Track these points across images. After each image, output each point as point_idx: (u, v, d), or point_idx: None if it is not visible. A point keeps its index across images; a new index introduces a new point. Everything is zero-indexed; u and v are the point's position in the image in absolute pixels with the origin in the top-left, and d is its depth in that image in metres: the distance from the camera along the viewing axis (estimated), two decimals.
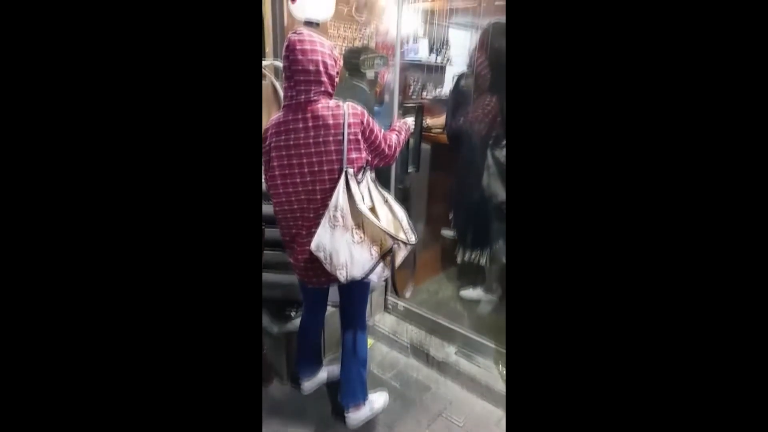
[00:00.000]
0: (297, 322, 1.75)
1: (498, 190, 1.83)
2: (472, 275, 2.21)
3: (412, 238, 1.25)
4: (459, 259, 2.10)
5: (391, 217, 1.26)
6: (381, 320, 2.08)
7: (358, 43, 2.27)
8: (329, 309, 1.65)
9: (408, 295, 1.91)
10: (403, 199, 1.90)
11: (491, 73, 1.79)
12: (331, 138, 1.16)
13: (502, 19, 1.78)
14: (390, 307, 2.12)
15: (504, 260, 2.00)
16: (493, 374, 1.72)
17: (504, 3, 2.47)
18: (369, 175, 1.25)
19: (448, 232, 2.46)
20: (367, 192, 1.23)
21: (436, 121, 2.43)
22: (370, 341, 1.96)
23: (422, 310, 2.02)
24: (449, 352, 1.84)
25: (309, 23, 1.63)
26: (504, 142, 1.77)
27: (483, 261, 2.02)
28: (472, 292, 2.17)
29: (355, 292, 1.41)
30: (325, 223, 1.18)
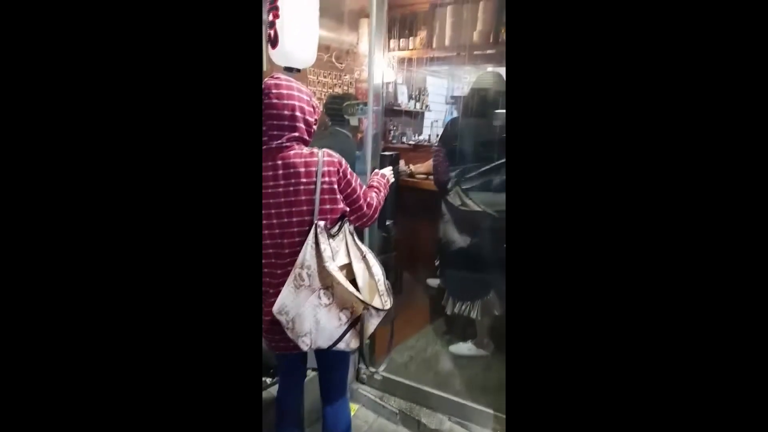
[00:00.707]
0: (272, 389, 1.57)
1: (455, 237, 1.87)
2: (461, 328, 2.07)
3: (387, 304, 1.10)
4: (449, 311, 1.98)
5: (367, 276, 1.12)
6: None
7: (338, 90, 2.25)
8: (309, 373, 1.48)
9: (382, 368, 1.71)
10: (384, 250, 1.78)
11: (461, 122, 1.87)
12: (302, 187, 1.05)
13: (484, 69, 1.82)
14: (364, 376, 1.86)
15: (495, 312, 1.89)
16: None
17: (481, 53, 2.54)
18: (347, 228, 1.13)
19: (433, 281, 2.35)
20: (344, 246, 1.10)
21: (418, 167, 2.39)
22: (354, 407, 1.77)
23: (404, 379, 1.79)
24: (442, 419, 1.67)
25: (289, 69, 1.58)
26: (449, 187, 1.88)
27: (474, 314, 1.90)
28: (462, 347, 2.02)
29: (334, 356, 1.26)
30: (289, 282, 1.03)
